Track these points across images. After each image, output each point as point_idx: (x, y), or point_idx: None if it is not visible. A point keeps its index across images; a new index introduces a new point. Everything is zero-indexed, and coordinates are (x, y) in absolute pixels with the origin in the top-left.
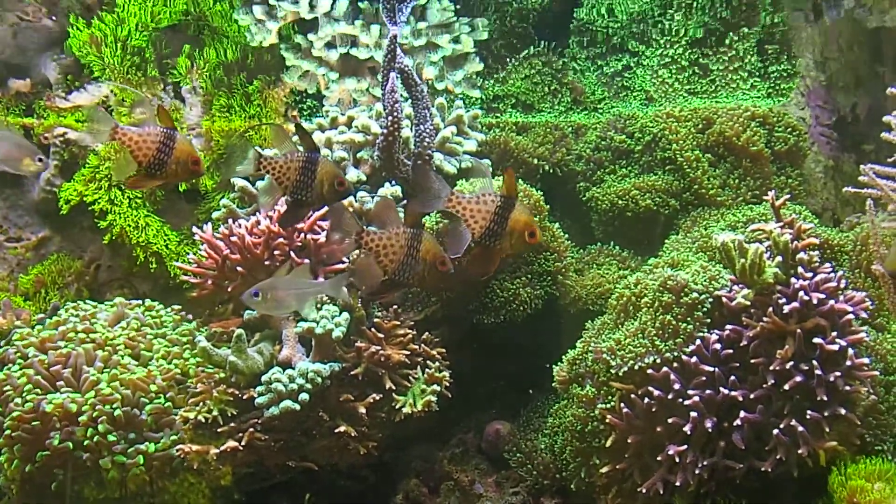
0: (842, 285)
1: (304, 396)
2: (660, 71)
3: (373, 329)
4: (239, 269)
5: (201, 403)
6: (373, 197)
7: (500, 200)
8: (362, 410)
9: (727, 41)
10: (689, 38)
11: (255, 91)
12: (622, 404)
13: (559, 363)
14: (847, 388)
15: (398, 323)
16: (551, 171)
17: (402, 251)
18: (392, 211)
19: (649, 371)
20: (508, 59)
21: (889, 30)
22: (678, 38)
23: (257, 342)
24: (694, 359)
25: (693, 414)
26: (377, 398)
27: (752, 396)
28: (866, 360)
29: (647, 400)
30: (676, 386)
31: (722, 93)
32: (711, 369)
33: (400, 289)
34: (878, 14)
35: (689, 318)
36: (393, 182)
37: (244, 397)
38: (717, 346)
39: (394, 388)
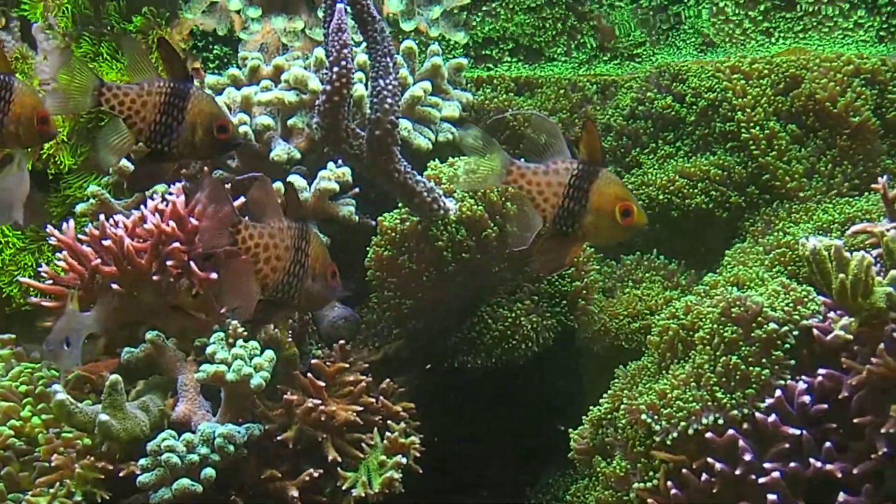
0: None
1: (208, 472)
2: (723, 4)
3: (310, 374)
4: (114, 286)
5: (57, 484)
6: (310, 183)
7: (578, 168)
8: (294, 493)
9: None
10: None
11: (138, 31)
12: (669, 483)
13: (578, 424)
14: None
15: (346, 366)
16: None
17: (287, 255)
18: (272, 195)
19: (708, 435)
20: None
21: None
22: None
23: (141, 393)
24: (772, 417)
25: (771, 497)
26: (316, 475)
27: (855, 472)
28: None
29: (704, 477)
30: (748, 456)
31: (813, 35)
32: (797, 432)
33: (283, 313)
34: None
35: (764, 360)
36: (339, 161)
37: (121, 474)
38: (806, 398)
39: (339, 460)
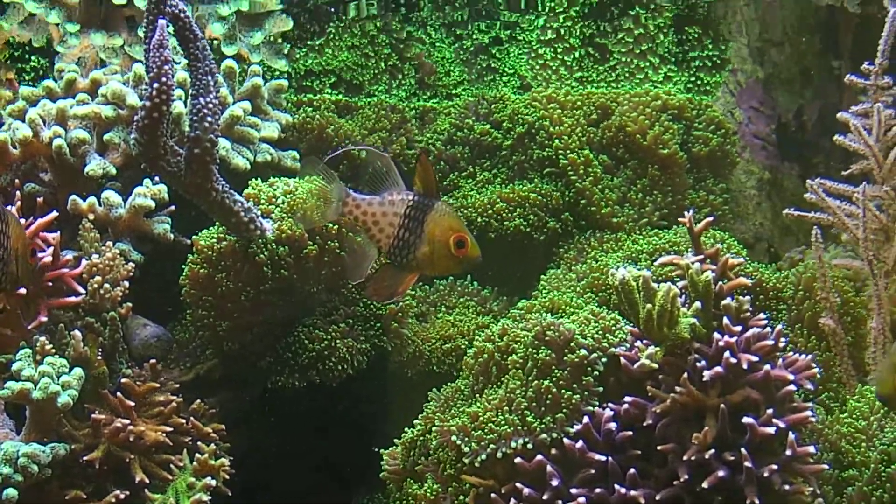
0: (781, 344)
1: (9, 493)
2: (540, 49)
3: (119, 393)
4: None
5: None
6: (125, 199)
7: (413, 199)
8: None
9: (633, 13)
10: (582, 8)
11: None
12: None
13: (390, 447)
14: (786, 487)
15: (157, 385)
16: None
17: None
18: None
19: (517, 460)
20: (331, 22)
21: (847, 12)
22: (566, 5)
23: None
24: (580, 443)
25: None
26: (122, 497)
27: (658, 498)
28: (812, 449)
29: (513, 501)
30: (555, 482)
31: (624, 84)
32: (603, 458)
33: None
34: None
35: (574, 385)
36: (156, 177)
37: None
38: (612, 425)
39: (147, 481)
